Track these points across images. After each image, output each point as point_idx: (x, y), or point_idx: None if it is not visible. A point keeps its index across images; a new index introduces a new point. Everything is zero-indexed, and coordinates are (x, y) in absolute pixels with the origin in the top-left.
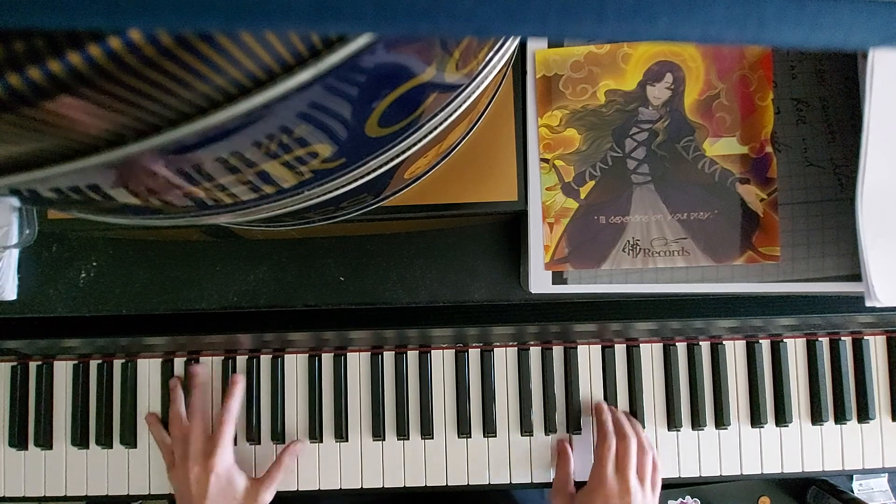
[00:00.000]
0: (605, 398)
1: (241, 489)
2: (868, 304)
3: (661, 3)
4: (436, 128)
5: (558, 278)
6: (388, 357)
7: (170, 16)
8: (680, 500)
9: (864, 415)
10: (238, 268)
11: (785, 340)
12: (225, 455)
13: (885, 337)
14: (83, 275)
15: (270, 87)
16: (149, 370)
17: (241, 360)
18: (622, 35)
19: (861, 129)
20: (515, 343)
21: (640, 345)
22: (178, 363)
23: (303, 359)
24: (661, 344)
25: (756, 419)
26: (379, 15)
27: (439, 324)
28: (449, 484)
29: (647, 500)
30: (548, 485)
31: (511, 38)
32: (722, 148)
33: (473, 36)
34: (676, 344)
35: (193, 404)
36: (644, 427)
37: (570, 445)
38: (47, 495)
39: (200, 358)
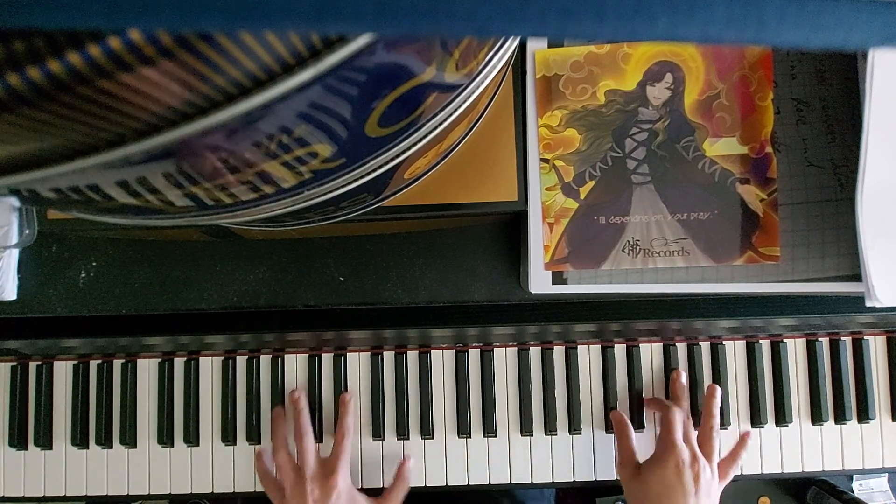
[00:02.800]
0: (605, 398)
1: (356, 499)
2: (868, 304)
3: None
4: (436, 128)
5: (558, 278)
6: (388, 357)
7: (170, 16)
8: None
9: (864, 415)
10: (238, 268)
11: (785, 340)
12: (345, 474)
13: (885, 337)
14: (83, 275)
15: (270, 87)
16: (148, 370)
17: (241, 360)
18: (622, 35)
19: (861, 129)
20: (515, 343)
21: (640, 345)
22: (178, 363)
23: (303, 359)
24: (661, 344)
25: (756, 419)
26: (379, 15)
27: (439, 324)
28: (449, 484)
29: (714, 479)
30: (548, 484)
31: (511, 38)
32: (722, 148)
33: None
34: (676, 344)
35: (299, 430)
36: (644, 427)
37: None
38: (47, 495)
39: (200, 358)
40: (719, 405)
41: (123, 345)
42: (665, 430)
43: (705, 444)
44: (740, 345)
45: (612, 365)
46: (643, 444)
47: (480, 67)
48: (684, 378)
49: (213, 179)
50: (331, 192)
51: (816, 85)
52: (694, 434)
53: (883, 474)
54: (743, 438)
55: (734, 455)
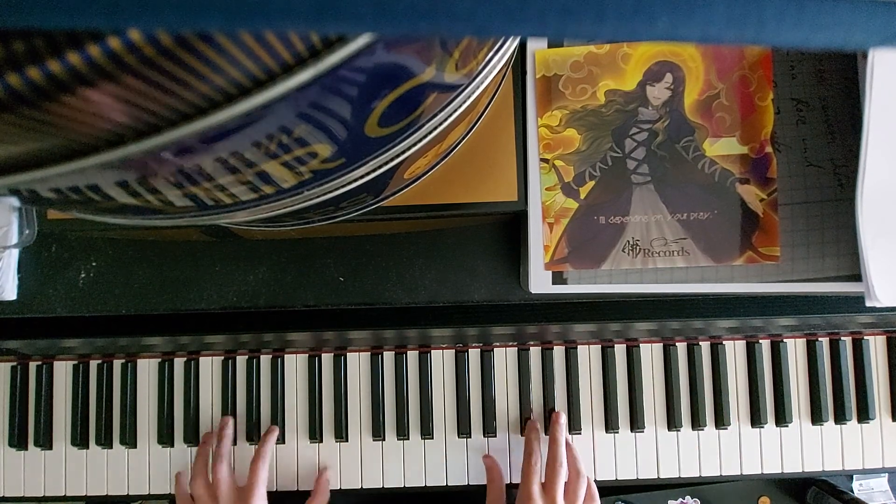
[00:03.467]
0: (606, 398)
1: None
2: (868, 304)
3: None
4: (436, 128)
5: (558, 278)
6: (388, 357)
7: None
8: (680, 500)
9: (864, 415)
10: (238, 268)
11: (785, 340)
12: (261, 500)
13: (885, 337)
14: (83, 275)
15: (270, 87)
16: (148, 370)
17: (241, 360)
18: (622, 35)
19: (861, 129)
20: (515, 343)
21: (640, 345)
22: (178, 363)
23: (303, 359)
24: (661, 344)
25: (756, 419)
26: (379, 15)
27: (439, 324)
28: (449, 484)
29: None
30: None
31: (511, 38)
32: (722, 148)
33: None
34: (676, 344)
35: (217, 456)
36: (644, 427)
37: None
38: (47, 495)
39: (200, 358)
40: (562, 439)
41: (123, 345)
42: (524, 479)
43: (568, 493)
44: (740, 345)
45: (612, 365)
46: (643, 444)
47: (480, 67)
48: (563, 419)
49: (213, 179)
50: (331, 192)
51: (816, 85)
52: (562, 481)
53: (883, 474)
54: (575, 472)
55: (574, 489)
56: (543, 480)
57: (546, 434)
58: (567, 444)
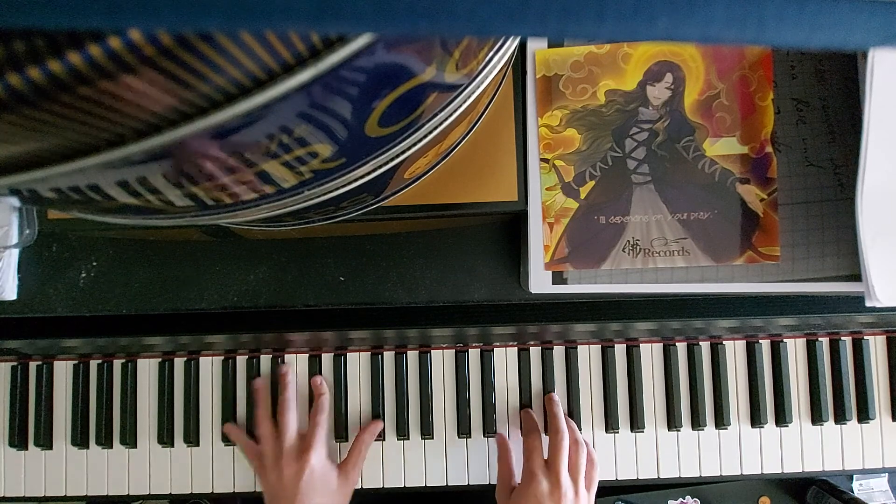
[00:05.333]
0: (605, 398)
1: (335, 478)
2: (868, 304)
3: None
4: (436, 128)
5: (558, 278)
6: (388, 357)
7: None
8: (680, 500)
9: (864, 415)
10: (238, 268)
11: (785, 340)
12: (319, 451)
13: (885, 337)
14: (83, 275)
15: (270, 87)
16: (148, 370)
17: (242, 360)
18: (622, 35)
19: (861, 129)
20: (515, 343)
21: (640, 345)
22: (179, 363)
23: (303, 359)
24: (661, 344)
25: (756, 419)
26: (379, 15)
27: (439, 324)
28: (449, 484)
29: (581, 498)
30: None
31: (511, 38)
32: (722, 148)
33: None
34: (676, 344)
35: (283, 404)
36: (644, 427)
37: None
38: (47, 495)
39: (200, 358)
40: (561, 414)
41: (123, 345)
42: (526, 459)
43: (571, 465)
44: (740, 345)
45: (612, 365)
46: (643, 444)
47: (480, 67)
48: (556, 397)
49: (213, 179)
50: (331, 192)
51: (816, 85)
52: (564, 456)
53: (883, 474)
54: (574, 444)
55: (575, 460)
56: (546, 457)
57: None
58: (570, 425)
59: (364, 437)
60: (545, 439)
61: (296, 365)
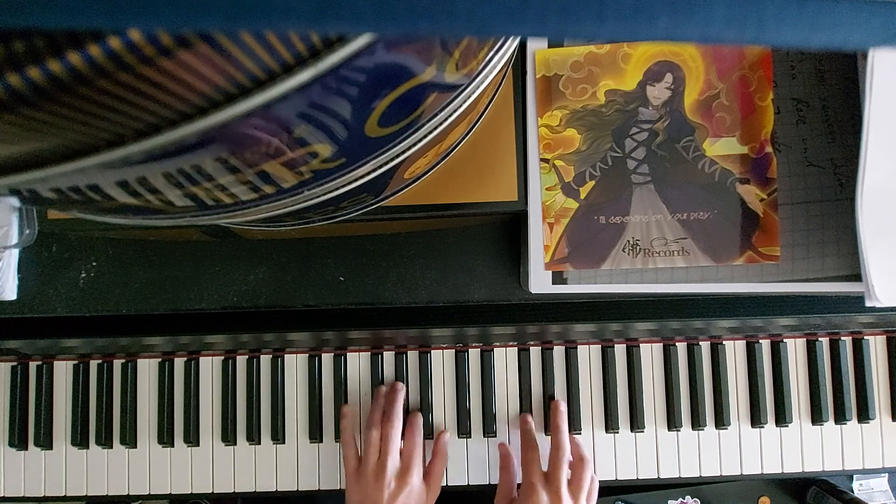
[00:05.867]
0: (606, 398)
1: (425, 494)
2: (868, 304)
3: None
4: (436, 128)
5: (558, 278)
6: (388, 357)
7: (170, 16)
8: (680, 500)
9: (864, 415)
10: (238, 268)
11: (785, 340)
12: (419, 471)
13: (885, 337)
14: (83, 275)
15: (270, 87)
16: (148, 370)
17: (242, 360)
18: (622, 35)
19: (861, 129)
20: (515, 343)
21: (640, 345)
22: (179, 363)
23: (303, 359)
24: (661, 344)
25: (756, 419)
26: (379, 15)
27: (439, 324)
28: (449, 484)
29: None
30: None
31: (511, 38)
32: (722, 148)
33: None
34: (676, 344)
35: (390, 415)
36: (644, 427)
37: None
38: (47, 495)
39: (200, 358)
40: (565, 427)
41: (123, 345)
42: (525, 472)
43: (574, 480)
44: (740, 345)
45: (612, 365)
46: (643, 444)
47: (480, 67)
48: (563, 406)
49: (213, 179)
50: (331, 192)
51: (816, 85)
52: (565, 469)
53: (883, 474)
54: (579, 460)
55: (580, 476)
56: (546, 469)
57: (546, 431)
58: (572, 440)
59: (442, 448)
60: (544, 451)
61: (296, 365)
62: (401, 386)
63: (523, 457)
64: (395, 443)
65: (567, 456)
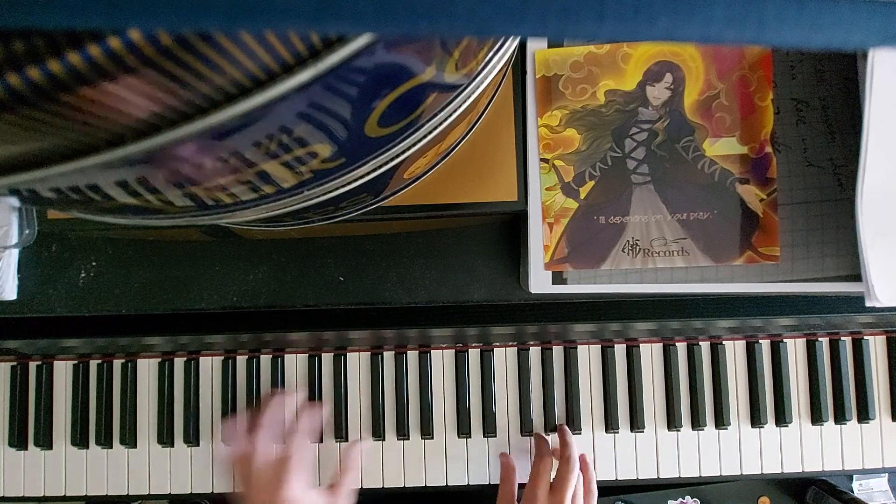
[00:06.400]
0: (605, 398)
1: None
2: (868, 304)
3: (661, 3)
4: (436, 128)
5: (558, 278)
6: (388, 357)
7: (170, 16)
8: (680, 500)
9: (863, 415)
10: (238, 268)
11: (785, 340)
12: (296, 483)
13: (885, 337)
14: (83, 275)
15: (270, 87)
16: (148, 370)
17: (242, 360)
18: (622, 35)
19: (861, 129)
20: (515, 343)
21: (640, 345)
22: (179, 363)
23: (303, 359)
24: (661, 344)
25: (756, 419)
26: (379, 15)
27: (439, 324)
28: (449, 484)
29: None
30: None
31: (511, 38)
32: (722, 148)
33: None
34: (676, 344)
35: (263, 421)
36: (644, 427)
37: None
38: (47, 495)
39: (200, 358)
40: (574, 444)
41: (123, 345)
42: (530, 482)
43: (563, 489)
44: (740, 345)
45: (612, 365)
46: (643, 444)
47: (480, 67)
48: (570, 437)
49: (213, 179)
50: (331, 192)
51: (816, 85)
52: (571, 487)
53: (883, 474)
54: (584, 470)
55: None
56: (552, 482)
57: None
58: (581, 457)
59: (348, 464)
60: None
61: (296, 365)
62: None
63: (534, 467)
64: (264, 457)
65: (575, 473)
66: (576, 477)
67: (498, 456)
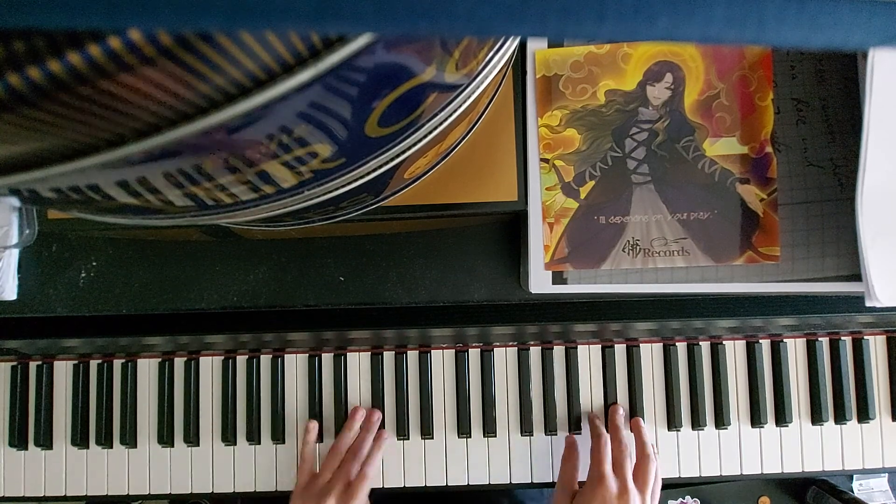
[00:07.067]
0: (605, 398)
1: None
2: (868, 304)
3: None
4: (436, 128)
5: (558, 278)
6: (388, 357)
7: (170, 16)
8: (680, 500)
9: (864, 415)
10: (238, 268)
11: (785, 340)
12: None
13: (885, 337)
14: (83, 275)
15: (270, 87)
16: (148, 370)
17: (242, 360)
18: (622, 35)
19: (861, 129)
20: (515, 343)
21: (640, 345)
22: (179, 363)
23: (303, 359)
24: (661, 344)
25: (756, 419)
26: (379, 15)
27: (439, 324)
28: (449, 484)
29: None
30: (549, 484)
31: (511, 38)
32: (722, 148)
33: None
34: (676, 344)
35: (357, 445)
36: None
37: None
38: (47, 495)
39: (200, 358)
40: (623, 425)
41: (123, 345)
42: (594, 461)
43: (639, 475)
44: (740, 345)
45: (612, 365)
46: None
47: (480, 67)
48: (621, 412)
49: (213, 179)
50: (331, 192)
51: (816, 85)
52: (629, 464)
53: (883, 474)
54: (644, 456)
55: (644, 471)
56: (635, 474)
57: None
58: (638, 427)
59: (371, 469)
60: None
61: (296, 365)
62: (378, 417)
63: (594, 447)
64: (346, 474)
65: (629, 451)
66: (631, 457)
67: (498, 456)
